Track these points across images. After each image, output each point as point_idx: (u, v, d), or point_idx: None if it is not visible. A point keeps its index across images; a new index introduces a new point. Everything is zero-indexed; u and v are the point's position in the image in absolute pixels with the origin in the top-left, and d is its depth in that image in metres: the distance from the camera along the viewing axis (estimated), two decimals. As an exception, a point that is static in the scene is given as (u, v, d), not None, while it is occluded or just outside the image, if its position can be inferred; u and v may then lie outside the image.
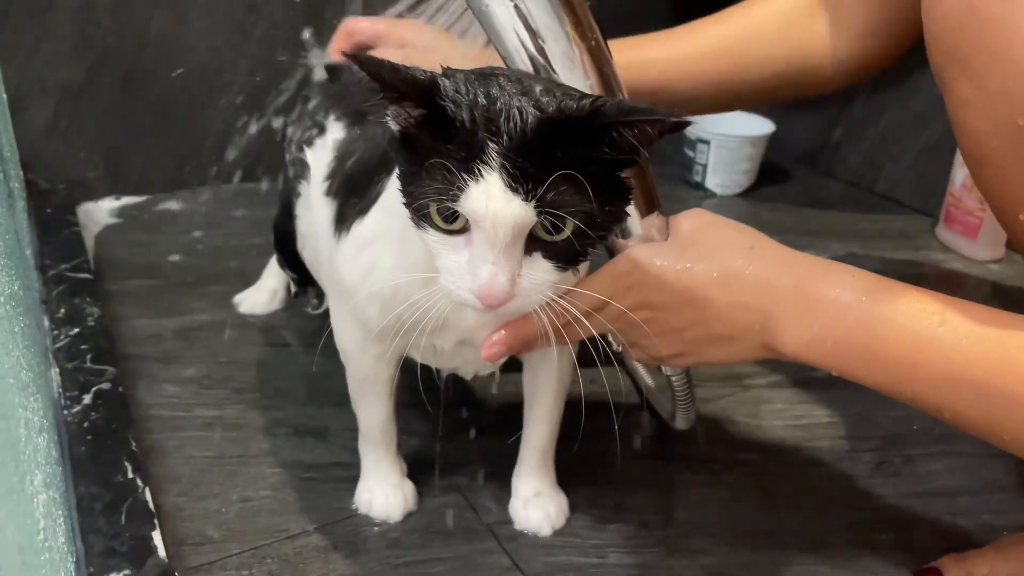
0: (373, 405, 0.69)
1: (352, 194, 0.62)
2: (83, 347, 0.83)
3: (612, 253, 0.59)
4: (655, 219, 0.60)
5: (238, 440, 0.78)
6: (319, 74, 0.83)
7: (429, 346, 0.61)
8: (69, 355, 0.82)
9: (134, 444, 0.71)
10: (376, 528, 0.70)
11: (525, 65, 0.55)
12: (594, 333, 0.58)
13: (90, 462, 0.69)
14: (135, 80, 1.17)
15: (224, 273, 1.05)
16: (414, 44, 0.75)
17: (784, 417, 0.87)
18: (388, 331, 0.57)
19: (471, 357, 0.63)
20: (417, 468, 0.74)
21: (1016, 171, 0.53)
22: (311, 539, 0.68)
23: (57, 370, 0.80)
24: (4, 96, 1.07)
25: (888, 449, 0.82)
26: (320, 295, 0.94)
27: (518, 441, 0.71)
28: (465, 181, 0.45)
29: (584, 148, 0.46)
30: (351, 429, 0.72)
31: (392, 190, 0.54)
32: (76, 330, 0.85)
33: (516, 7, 0.54)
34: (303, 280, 0.89)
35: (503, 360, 0.62)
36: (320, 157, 0.69)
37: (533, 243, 0.48)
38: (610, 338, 0.63)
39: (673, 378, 0.70)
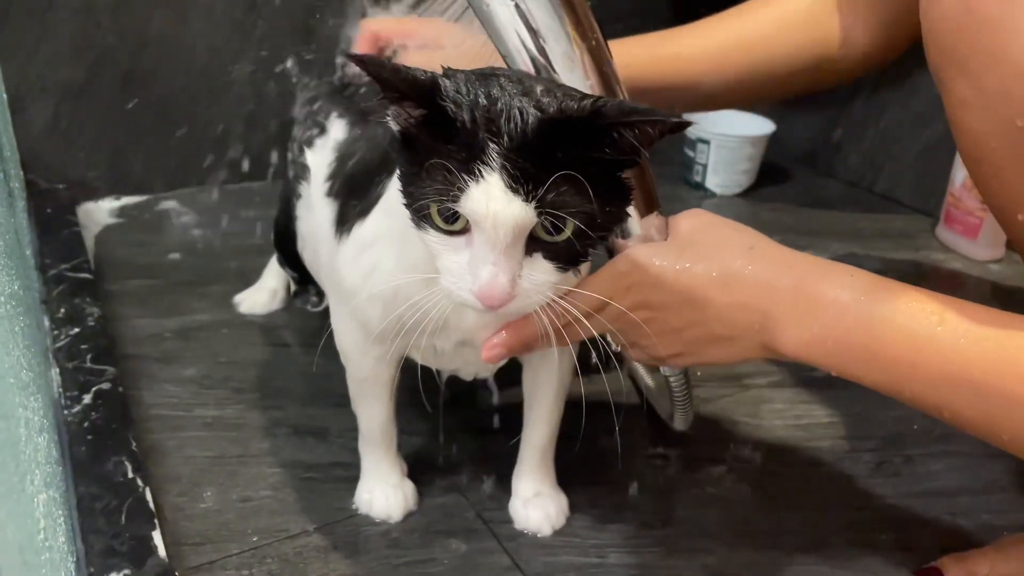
0: (373, 406, 0.69)
1: (353, 195, 0.62)
2: (83, 347, 0.83)
3: (612, 253, 0.59)
4: (654, 219, 0.60)
5: (238, 440, 0.78)
6: (350, 70, 0.78)
7: (429, 347, 0.61)
8: (69, 355, 0.82)
9: (134, 444, 0.71)
10: (376, 528, 0.70)
11: (526, 64, 0.55)
12: (594, 333, 0.58)
13: (90, 462, 0.69)
14: (135, 80, 1.17)
15: (224, 273, 1.05)
16: (444, 44, 0.73)
17: (784, 417, 0.87)
18: (389, 332, 0.57)
19: (471, 358, 0.63)
20: (417, 468, 0.74)
21: (1015, 171, 0.53)
22: (311, 539, 0.68)
23: (57, 370, 0.80)
24: (4, 96, 1.07)
25: (888, 449, 0.82)
26: (320, 293, 0.94)
27: (518, 441, 0.71)
28: (465, 182, 0.45)
29: (585, 149, 0.46)
30: (351, 429, 0.72)
31: (393, 191, 0.54)
32: (76, 330, 0.85)
33: (517, 7, 0.54)
34: (303, 279, 0.89)
35: (504, 362, 0.62)
36: (320, 158, 0.69)
37: (534, 244, 0.48)
38: (609, 338, 0.63)
39: (671, 379, 0.70)
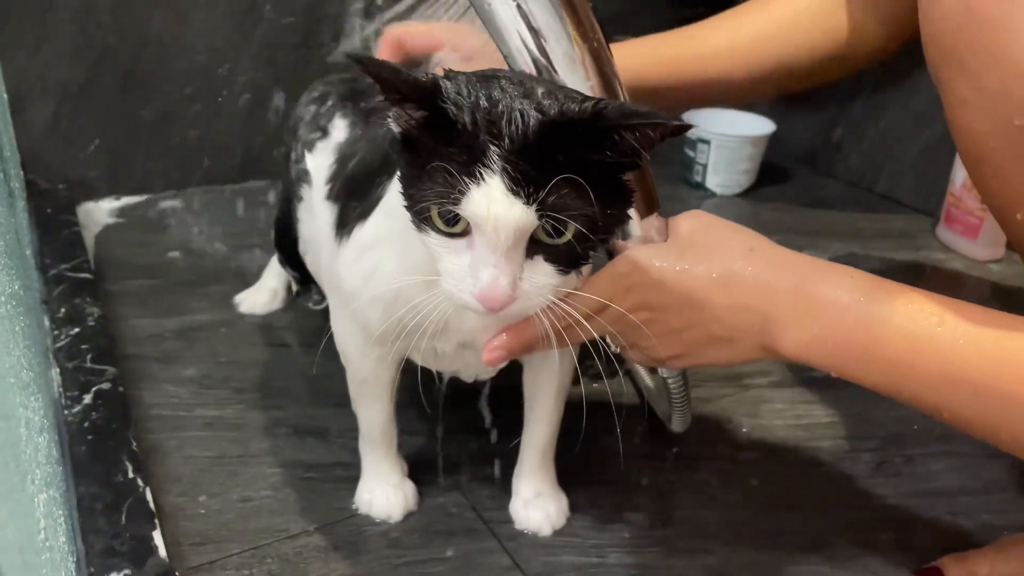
0: (373, 407, 0.69)
1: (353, 197, 0.62)
2: (83, 347, 0.83)
3: (612, 254, 0.59)
4: (654, 220, 0.60)
5: (238, 440, 0.78)
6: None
7: (430, 349, 0.61)
8: (69, 355, 0.82)
9: (134, 444, 0.71)
10: (377, 528, 0.70)
11: (527, 64, 0.56)
12: (595, 335, 0.58)
13: (90, 462, 0.69)
14: (135, 80, 1.17)
15: (224, 273, 1.05)
16: (482, 53, 0.70)
17: (784, 417, 0.87)
18: (389, 334, 0.57)
19: (472, 360, 0.63)
20: (418, 468, 0.74)
21: (1014, 171, 0.53)
22: (311, 539, 0.68)
23: (57, 370, 0.80)
24: (4, 96, 1.07)
25: (888, 449, 0.82)
26: (322, 291, 0.94)
27: (519, 441, 0.71)
28: (466, 184, 0.45)
29: (586, 151, 0.46)
30: (351, 429, 0.72)
31: (393, 193, 0.54)
32: (76, 330, 0.85)
33: (519, 7, 0.54)
34: (305, 279, 0.89)
35: (504, 364, 0.62)
36: (321, 161, 0.68)
37: (535, 246, 0.48)
38: (609, 340, 0.63)
39: (669, 380, 0.70)
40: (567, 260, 0.49)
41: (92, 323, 0.87)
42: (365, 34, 0.79)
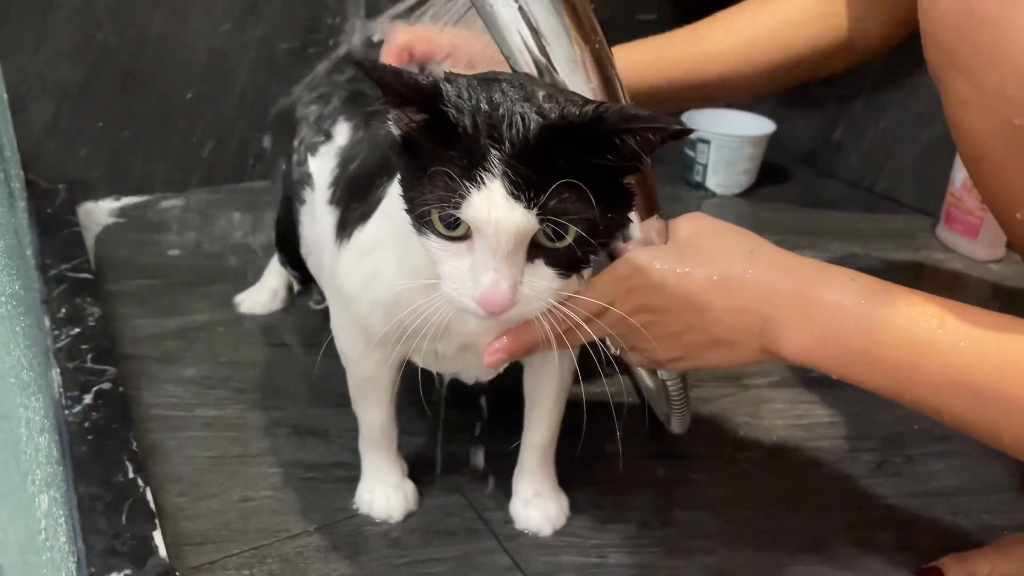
0: (374, 408, 0.69)
1: (354, 199, 0.62)
2: (84, 347, 0.83)
3: (612, 257, 0.59)
4: (655, 222, 0.60)
5: (238, 440, 0.78)
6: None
7: (431, 351, 0.61)
8: (70, 355, 0.82)
9: (135, 444, 0.71)
10: (377, 528, 0.70)
11: (528, 65, 0.56)
12: (595, 338, 0.58)
13: (91, 462, 0.69)
14: (135, 80, 1.17)
15: (224, 273, 1.05)
16: (490, 61, 0.67)
17: (784, 417, 0.87)
18: (390, 337, 0.57)
19: (473, 362, 0.63)
20: (418, 468, 0.74)
21: (1014, 170, 0.53)
22: (312, 539, 0.68)
23: (58, 370, 0.80)
24: (4, 96, 1.07)
25: (888, 449, 0.82)
26: (322, 291, 0.94)
27: (519, 442, 0.71)
28: (467, 188, 0.45)
29: (586, 154, 0.46)
30: (352, 429, 0.72)
31: (393, 196, 0.54)
32: (77, 330, 0.85)
33: (520, 8, 0.54)
34: (305, 279, 0.89)
35: (505, 366, 0.62)
36: (324, 164, 0.68)
37: (535, 250, 0.48)
38: (609, 342, 0.62)
39: (669, 383, 0.70)
40: (568, 264, 0.49)
41: (92, 323, 0.87)
42: (366, 34, 0.78)
